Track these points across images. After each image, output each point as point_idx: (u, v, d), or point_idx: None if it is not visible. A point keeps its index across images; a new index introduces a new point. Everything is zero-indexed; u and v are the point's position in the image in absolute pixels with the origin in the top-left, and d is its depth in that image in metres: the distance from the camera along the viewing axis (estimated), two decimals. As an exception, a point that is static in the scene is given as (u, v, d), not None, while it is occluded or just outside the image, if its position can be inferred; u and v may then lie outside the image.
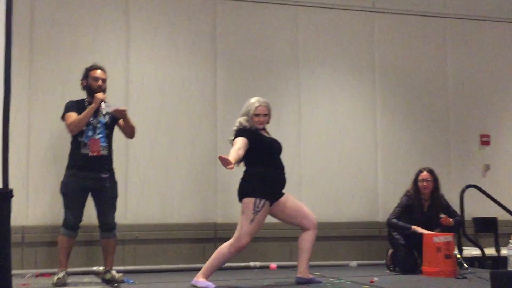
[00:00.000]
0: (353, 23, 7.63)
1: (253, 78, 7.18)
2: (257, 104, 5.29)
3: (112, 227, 5.60)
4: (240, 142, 5.15)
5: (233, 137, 5.29)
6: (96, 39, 6.75)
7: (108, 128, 5.60)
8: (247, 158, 5.23)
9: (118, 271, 5.65)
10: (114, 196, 5.62)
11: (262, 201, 5.08)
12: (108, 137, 5.61)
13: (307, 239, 5.32)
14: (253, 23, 7.30)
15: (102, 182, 5.49)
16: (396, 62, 7.73)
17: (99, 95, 5.49)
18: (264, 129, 5.41)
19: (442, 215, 6.41)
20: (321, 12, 7.53)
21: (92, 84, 5.57)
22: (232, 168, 4.84)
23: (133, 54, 6.86)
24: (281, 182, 5.32)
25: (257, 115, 5.27)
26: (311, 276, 5.34)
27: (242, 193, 5.17)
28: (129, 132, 5.72)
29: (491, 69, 8.05)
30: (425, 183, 6.39)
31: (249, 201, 5.08)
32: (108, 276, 5.55)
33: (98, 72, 5.61)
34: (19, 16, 6.33)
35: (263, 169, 5.22)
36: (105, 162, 5.54)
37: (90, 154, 5.42)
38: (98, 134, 5.50)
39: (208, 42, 7.12)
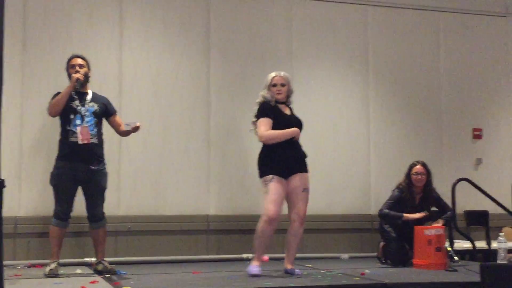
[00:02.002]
0: (347, 16, 7.64)
1: (246, 71, 7.19)
2: (273, 75, 5.49)
3: (100, 218, 5.60)
4: (267, 125, 5.34)
5: (255, 115, 5.45)
6: (89, 30, 6.74)
7: (97, 117, 5.58)
8: None
9: (110, 263, 5.65)
10: (103, 188, 5.60)
11: (270, 176, 5.26)
12: (98, 126, 5.59)
13: (290, 233, 5.44)
14: (247, 16, 7.30)
15: (91, 174, 5.48)
16: (389, 55, 7.74)
17: (76, 75, 5.48)
18: (285, 103, 5.53)
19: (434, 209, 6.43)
20: (315, 5, 7.53)
21: (71, 72, 5.60)
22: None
23: (126, 45, 6.85)
24: (291, 159, 5.36)
25: (274, 85, 5.45)
26: (290, 267, 5.42)
27: (259, 173, 5.40)
28: (123, 135, 5.80)
29: (484, 63, 8.08)
30: (419, 176, 6.41)
31: (262, 180, 5.33)
32: (100, 267, 5.56)
33: (76, 60, 5.63)
34: (12, 5, 6.33)
35: (274, 148, 5.33)
36: (95, 151, 5.51)
37: (80, 142, 5.40)
38: (87, 122, 5.48)
39: (202, 34, 7.12)
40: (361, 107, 7.60)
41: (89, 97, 5.58)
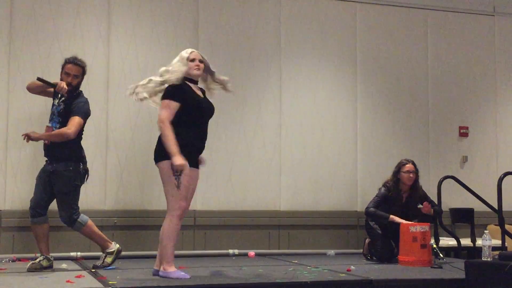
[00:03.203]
0: (335, 14, 7.64)
1: (234, 67, 7.17)
2: (190, 51, 5.04)
3: (67, 222, 5.41)
4: (170, 111, 4.89)
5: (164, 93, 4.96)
6: (77, 24, 6.70)
7: (62, 116, 5.40)
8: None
9: (95, 257, 5.61)
10: (61, 191, 5.35)
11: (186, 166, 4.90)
12: (64, 125, 5.35)
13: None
14: (235, 12, 7.28)
15: (49, 174, 5.37)
16: (377, 53, 7.76)
17: (63, 86, 5.33)
18: (200, 88, 5.10)
19: (420, 206, 6.42)
20: (304, 1, 7.53)
21: (63, 77, 5.45)
22: None
23: (114, 40, 6.82)
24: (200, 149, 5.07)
25: (192, 60, 4.99)
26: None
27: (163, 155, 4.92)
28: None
29: (471, 62, 8.11)
30: (411, 175, 6.38)
31: (166, 167, 4.89)
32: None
33: (71, 69, 5.47)
34: (-1, -2, 6.28)
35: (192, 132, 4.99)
36: (55, 151, 5.36)
37: (43, 142, 5.43)
38: (53, 122, 5.42)
39: (190, 29, 7.10)
40: (349, 104, 7.61)
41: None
